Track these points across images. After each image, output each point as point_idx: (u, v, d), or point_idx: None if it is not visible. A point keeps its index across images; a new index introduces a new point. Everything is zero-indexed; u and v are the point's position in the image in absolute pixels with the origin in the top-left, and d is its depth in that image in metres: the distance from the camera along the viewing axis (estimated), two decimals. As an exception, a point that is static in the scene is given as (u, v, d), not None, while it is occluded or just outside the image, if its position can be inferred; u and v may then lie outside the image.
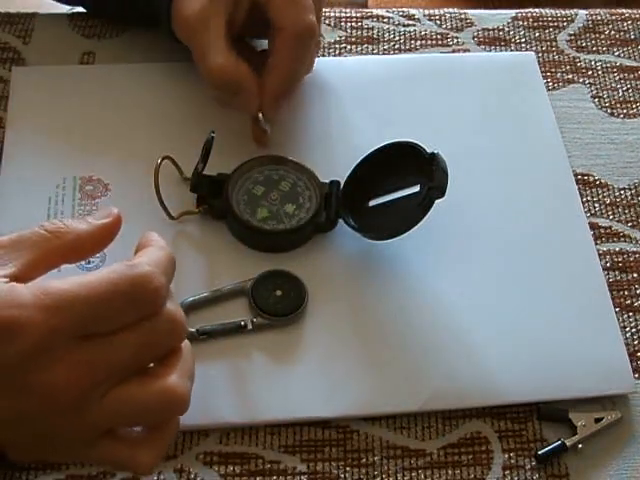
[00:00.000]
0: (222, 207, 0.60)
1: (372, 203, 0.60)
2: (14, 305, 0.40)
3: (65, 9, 0.75)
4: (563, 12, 0.78)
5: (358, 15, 0.76)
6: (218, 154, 0.60)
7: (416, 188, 0.58)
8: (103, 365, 0.42)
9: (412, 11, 0.77)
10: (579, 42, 0.75)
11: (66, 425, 0.43)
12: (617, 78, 0.73)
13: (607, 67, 0.74)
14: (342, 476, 0.53)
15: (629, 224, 0.65)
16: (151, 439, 0.45)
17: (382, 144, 0.61)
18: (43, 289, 0.41)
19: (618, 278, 0.62)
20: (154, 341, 0.44)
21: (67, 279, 0.42)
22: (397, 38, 0.74)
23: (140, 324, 0.43)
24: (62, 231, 0.45)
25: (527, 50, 0.74)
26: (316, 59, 0.72)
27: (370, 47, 0.74)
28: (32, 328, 0.40)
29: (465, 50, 0.74)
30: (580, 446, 0.54)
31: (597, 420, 0.55)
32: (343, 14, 0.76)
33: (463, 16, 0.76)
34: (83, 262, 0.58)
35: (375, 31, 0.75)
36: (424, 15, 0.76)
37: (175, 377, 0.44)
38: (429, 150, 0.58)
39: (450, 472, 0.53)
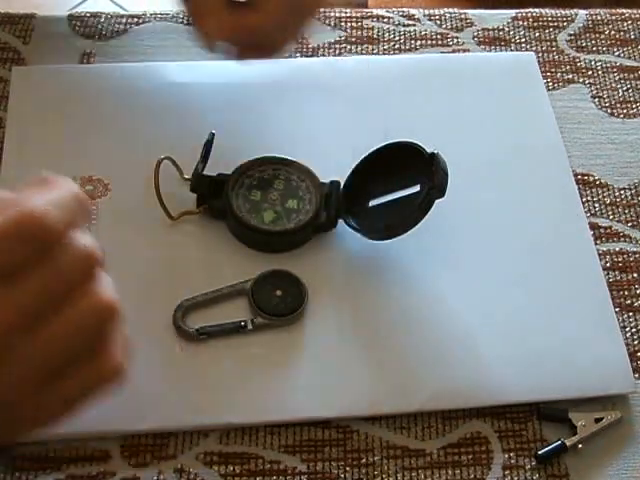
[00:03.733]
0: (222, 207, 0.60)
1: (372, 203, 0.60)
2: None
3: (65, 9, 0.75)
4: (563, 12, 0.78)
5: (358, 15, 0.76)
6: (218, 154, 0.60)
7: (416, 188, 0.58)
8: (13, 307, 0.40)
9: (412, 11, 0.77)
10: (579, 42, 0.75)
11: (14, 380, 0.40)
12: (617, 78, 0.73)
13: (607, 67, 0.74)
14: (342, 476, 0.53)
15: (629, 224, 0.65)
16: (103, 350, 0.43)
17: (382, 144, 0.61)
18: None
19: (618, 278, 0.62)
20: (61, 274, 0.41)
21: None
22: (397, 38, 0.74)
23: (42, 261, 0.41)
24: None
25: (527, 50, 0.74)
26: (316, 59, 0.72)
27: (370, 47, 0.74)
28: None
29: (465, 50, 0.74)
30: (580, 446, 0.54)
31: (597, 420, 0.55)
32: (343, 14, 0.76)
33: (463, 16, 0.76)
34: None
35: (375, 31, 0.75)
36: (424, 15, 0.76)
37: (99, 289, 0.42)
38: (429, 150, 0.58)
39: (450, 472, 0.53)
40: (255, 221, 0.59)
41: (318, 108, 0.68)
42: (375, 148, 0.61)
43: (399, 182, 0.59)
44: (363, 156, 0.61)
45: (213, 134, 0.60)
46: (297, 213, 0.60)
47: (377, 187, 0.60)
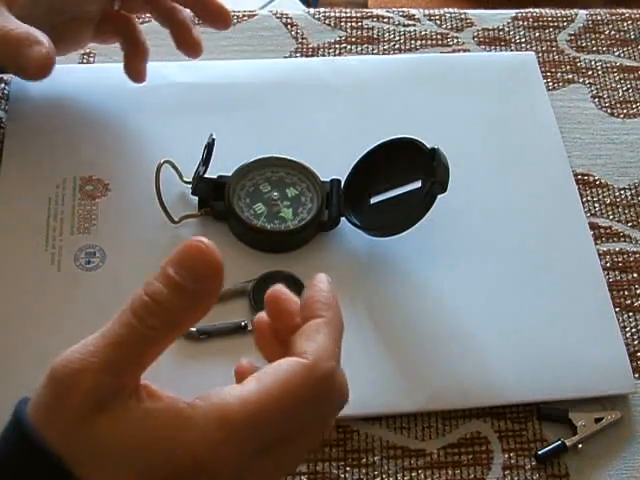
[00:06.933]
0: (224, 209, 0.60)
1: (374, 200, 0.60)
2: (205, 447, 0.38)
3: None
4: (563, 12, 0.78)
5: (358, 15, 0.76)
6: (218, 156, 0.60)
7: (417, 184, 0.58)
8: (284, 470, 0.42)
9: (412, 11, 0.77)
10: (579, 42, 0.75)
11: None
12: (617, 78, 0.73)
13: (607, 67, 0.74)
14: (342, 476, 0.53)
15: (629, 224, 0.65)
16: None
17: (382, 141, 0.61)
18: (223, 420, 0.38)
19: (618, 278, 0.62)
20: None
21: (242, 395, 0.40)
22: (397, 38, 0.74)
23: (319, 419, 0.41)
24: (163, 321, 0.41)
25: (527, 50, 0.74)
26: (316, 59, 0.72)
27: (370, 47, 0.74)
28: (226, 467, 0.37)
29: (465, 50, 0.74)
30: (580, 446, 0.54)
31: (597, 420, 0.55)
32: (343, 14, 0.76)
33: (463, 16, 0.76)
34: (84, 262, 0.58)
35: (375, 31, 0.75)
36: (424, 15, 0.76)
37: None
38: (429, 146, 0.58)
39: (450, 472, 0.53)
40: (257, 222, 0.59)
41: (318, 108, 0.68)
42: (375, 145, 0.61)
43: (400, 178, 0.59)
44: (363, 153, 0.61)
45: (214, 137, 0.60)
46: (299, 213, 0.60)
47: (378, 184, 0.60)
